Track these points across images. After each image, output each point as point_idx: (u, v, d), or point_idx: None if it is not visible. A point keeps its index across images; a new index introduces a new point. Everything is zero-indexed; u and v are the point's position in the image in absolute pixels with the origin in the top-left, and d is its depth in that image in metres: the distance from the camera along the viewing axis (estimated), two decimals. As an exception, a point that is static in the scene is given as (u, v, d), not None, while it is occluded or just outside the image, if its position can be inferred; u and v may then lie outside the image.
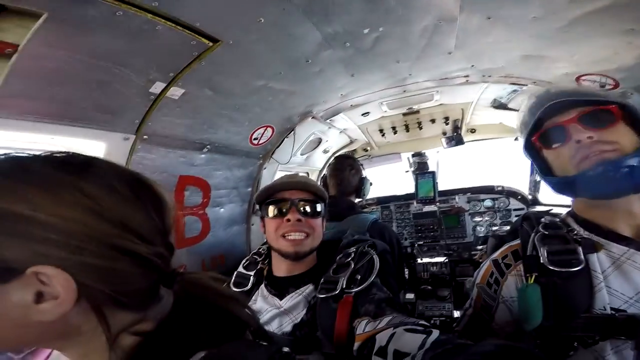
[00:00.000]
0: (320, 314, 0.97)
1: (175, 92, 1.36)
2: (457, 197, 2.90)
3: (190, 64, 1.26)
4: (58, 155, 0.48)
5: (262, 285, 1.15)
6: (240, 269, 1.24)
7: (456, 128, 2.60)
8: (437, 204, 2.86)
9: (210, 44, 1.19)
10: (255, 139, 1.92)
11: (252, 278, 1.18)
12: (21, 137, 1.13)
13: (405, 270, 2.58)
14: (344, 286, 0.97)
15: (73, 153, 0.49)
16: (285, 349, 0.64)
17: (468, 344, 0.65)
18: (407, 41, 1.40)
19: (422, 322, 0.80)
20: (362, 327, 0.86)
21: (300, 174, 1.47)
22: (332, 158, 2.35)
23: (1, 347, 0.58)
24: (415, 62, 1.62)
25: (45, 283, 0.43)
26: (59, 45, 0.98)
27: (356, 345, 0.84)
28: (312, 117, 1.96)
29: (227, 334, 0.53)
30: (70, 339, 0.48)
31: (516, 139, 2.63)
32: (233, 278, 1.22)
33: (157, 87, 1.30)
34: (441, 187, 2.85)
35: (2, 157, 0.45)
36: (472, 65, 1.66)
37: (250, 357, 0.47)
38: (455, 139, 2.62)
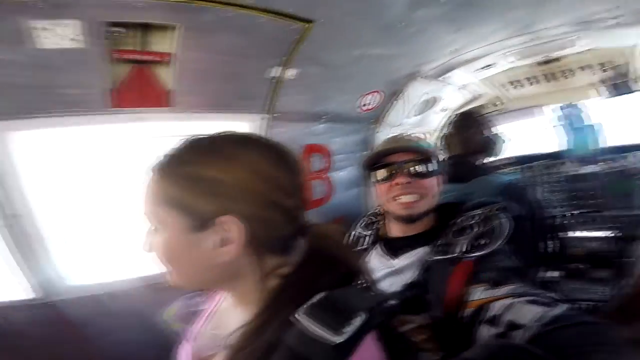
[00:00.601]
0: (433, 276, 0.97)
1: (290, 73, 1.67)
2: (631, 156, 2.34)
3: (295, 46, 1.52)
4: (226, 133, 0.63)
5: (378, 245, 1.20)
6: (358, 228, 1.32)
7: (621, 75, 2.07)
8: (601, 163, 2.40)
9: (306, 25, 1.41)
10: (364, 105, 2.12)
11: (368, 237, 1.24)
12: (189, 126, 1.61)
13: (549, 243, 2.34)
14: (464, 250, 0.95)
15: (236, 132, 0.64)
16: (392, 302, 0.80)
17: (594, 322, 0.63)
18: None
19: (551, 294, 0.76)
20: (478, 293, 0.85)
21: (416, 135, 1.47)
22: (454, 115, 2.32)
23: (194, 287, 0.71)
24: (537, 7, 1.45)
25: (226, 230, 0.56)
26: (198, 49, 1.36)
27: (468, 311, 0.83)
28: (422, 77, 2.00)
29: (343, 280, 0.60)
30: (235, 279, 0.62)
31: None
32: (351, 237, 1.30)
33: (275, 71, 1.63)
34: (607, 143, 2.38)
35: (192, 138, 0.61)
36: (618, 6, 1.37)
37: (360, 300, 0.54)
38: (621, 88, 2.10)
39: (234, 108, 1.74)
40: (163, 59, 1.40)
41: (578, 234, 2.40)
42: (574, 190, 2.57)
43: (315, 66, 1.71)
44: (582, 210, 2.52)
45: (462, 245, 0.96)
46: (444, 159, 1.28)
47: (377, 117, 2.29)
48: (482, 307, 0.80)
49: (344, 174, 2.43)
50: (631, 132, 2.47)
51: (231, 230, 0.55)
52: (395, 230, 1.17)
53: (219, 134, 0.62)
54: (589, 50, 1.95)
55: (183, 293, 0.90)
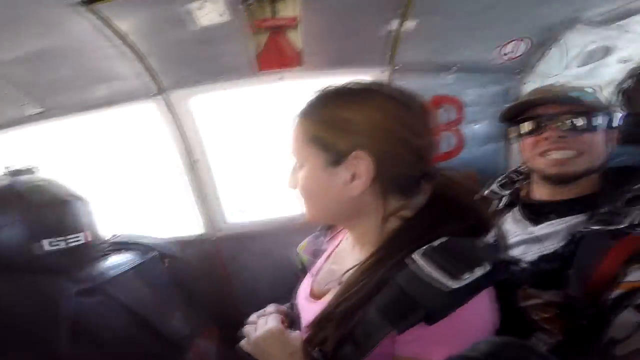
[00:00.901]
0: (584, 249, 0.86)
1: (409, 24, 1.67)
2: None
3: None
4: (358, 82, 0.70)
5: (516, 208, 1.12)
6: (494, 186, 1.24)
7: None
8: None
9: None
10: (505, 53, 1.90)
11: (505, 198, 1.17)
12: (320, 82, 1.89)
13: None
14: (637, 222, 0.82)
15: (366, 81, 0.72)
16: (523, 266, 0.84)
17: None
18: None
19: None
20: (638, 275, 0.76)
21: (577, 86, 1.18)
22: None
23: (325, 220, 0.79)
24: None
25: (357, 166, 0.62)
26: (319, 11, 1.52)
27: (616, 293, 0.76)
28: (585, 24, 1.61)
29: (468, 232, 0.60)
30: (359, 216, 0.67)
31: None
32: (485, 195, 1.23)
33: (394, 24, 1.67)
34: None
35: (328, 87, 0.70)
36: None
37: (485, 253, 0.54)
38: None
39: (356, 63, 1.89)
40: (291, 24, 1.64)
41: None
42: None
43: (438, 16, 1.64)
44: None
45: (635, 216, 0.83)
46: (623, 115, 1.11)
47: (523, 66, 2.01)
48: (637, 290, 0.72)
49: (478, 127, 2.29)
50: None
51: (361, 166, 0.62)
52: (541, 192, 1.08)
53: (351, 82, 0.71)
54: None
55: (314, 231, 1.02)
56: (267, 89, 1.96)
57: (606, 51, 1.86)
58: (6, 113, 1.68)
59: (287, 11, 1.60)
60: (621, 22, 1.62)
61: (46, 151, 1.85)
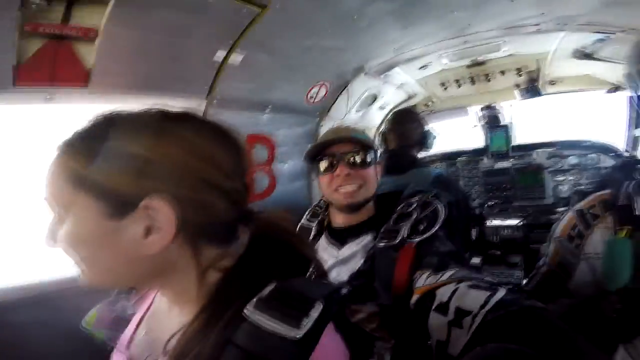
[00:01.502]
0: (379, 264, 0.98)
1: (236, 58, 1.59)
2: (535, 153, 2.71)
3: (244, 31, 1.46)
4: (156, 109, 0.56)
5: (323, 236, 1.21)
6: (304, 220, 1.33)
7: (532, 80, 2.41)
8: (512, 160, 2.76)
9: (259, 9, 1.35)
10: (311, 97, 2.12)
11: (313, 229, 1.26)
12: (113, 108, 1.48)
13: (473, 231, 2.57)
14: (406, 235, 0.97)
15: (170, 109, 0.57)
16: (344, 291, 0.74)
17: (535, 306, 0.66)
18: (461, -12, 1.39)
19: (488, 278, 0.79)
20: (423, 280, 0.86)
21: (354, 127, 1.39)
22: (392, 113, 2.42)
23: (115, 285, 0.66)
24: (474, 11, 1.58)
25: (152, 217, 0.48)
26: (131, 26, 1.24)
27: (414, 298, 0.84)
28: (365, 73, 2.06)
29: (293, 270, 0.58)
30: (168, 275, 0.55)
31: (614, 89, 2.32)
32: (297, 229, 1.20)
33: (220, 56, 1.54)
34: (518, 141, 2.76)
35: (109, 112, 0.54)
36: (543, 13, 1.56)
37: (313, 290, 0.51)
38: (531, 91, 2.45)
39: (167, 90, 1.57)
40: (86, 35, 1.23)
41: (494, 223, 2.67)
42: (489, 183, 2.92)
43: (264, 54, 1.66)
44: (496, 201, 2.85)
45: (403, 231, 0.98)
46: (382, 152, 1.29)
47: (322, 109, 2.31)
48: (429, 293, 0.81)
49: (287, 166, 2.39)
50: (537, 131, 2.90)
51: (158, 216, 0.48)
52: (339, 220, 1.19)
53: (147, 109, 0.55)
54: (509, 55, 2.22)
55: (109, 295, 0.77)
56: (30, 109, 1.33)
57: (374, 98, 2.41)
58: None
59: (85, 20, 1.21)
60: (387, 73, 2.14)
61: None
